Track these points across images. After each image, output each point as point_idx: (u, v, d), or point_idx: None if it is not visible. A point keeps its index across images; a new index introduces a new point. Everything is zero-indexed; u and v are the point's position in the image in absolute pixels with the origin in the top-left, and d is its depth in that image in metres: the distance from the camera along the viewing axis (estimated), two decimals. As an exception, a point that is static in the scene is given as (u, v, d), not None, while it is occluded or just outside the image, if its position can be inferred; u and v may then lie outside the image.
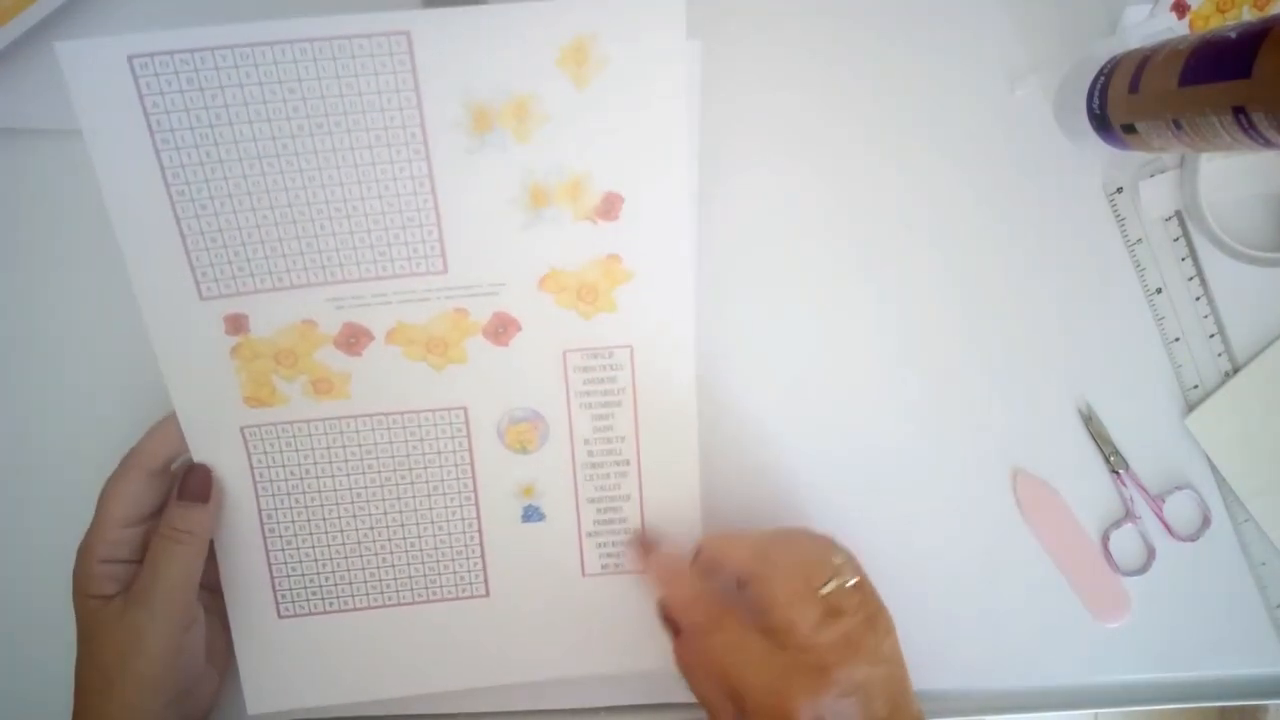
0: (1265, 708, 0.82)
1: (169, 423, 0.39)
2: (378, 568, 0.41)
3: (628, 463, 0.41)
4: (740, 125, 0.43)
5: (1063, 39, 0.43)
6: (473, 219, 0.37)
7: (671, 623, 0.38)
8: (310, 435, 0.40)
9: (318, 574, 0.41)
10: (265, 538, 0.41)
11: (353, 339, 0.38)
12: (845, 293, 0.44)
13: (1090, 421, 0.45)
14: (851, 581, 0.35)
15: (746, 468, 0.44)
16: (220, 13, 0.41)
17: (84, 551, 0.37)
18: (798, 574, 0.34)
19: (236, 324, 0.38)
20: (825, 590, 0.34)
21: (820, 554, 0.35)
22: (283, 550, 0.41)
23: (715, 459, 0.41)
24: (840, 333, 0.44)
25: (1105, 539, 0.45)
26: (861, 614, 0.34)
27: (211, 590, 0.41)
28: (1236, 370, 0.45)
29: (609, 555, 0.42)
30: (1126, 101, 0.38)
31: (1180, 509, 0.45)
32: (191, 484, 0.38)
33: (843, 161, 0.43)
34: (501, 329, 0.39)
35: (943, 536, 0.45)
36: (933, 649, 0.45)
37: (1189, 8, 0.42)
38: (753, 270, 0.44)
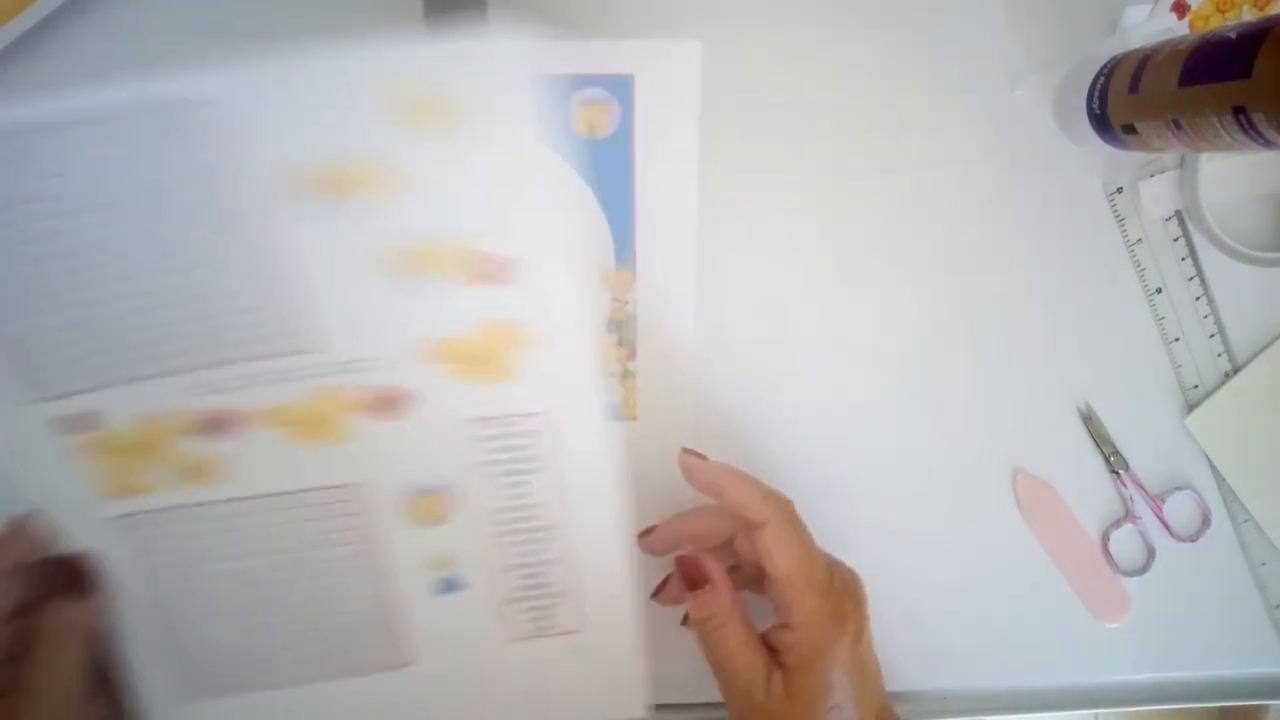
0: (1265, 708, 0.81)
1: (28, 518, 0.36)
2: (286, 646, 0.39)
3: (551, 528, 0.38)
4: (740, 125, 0.43)
5: (1063, 39, 0.43)
6: (336, 291, 0.34)
7: (696, 576, 0.37)
8: (195, 519, 0.36)
9: (229, 654, 0.39)
10: (166, 623, 0.38)
11: (220, 424, 0.36)
12: (844, 293, 0.44)
13: (1090, 421, 0.45)
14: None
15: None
16: (222, 12, 0.41)
17: None
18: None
19: (80, 423, 0.35)
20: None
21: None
22: (188, 634, 0.38)
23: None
24: (840, 333, 0.44)
25: (1105, 539, 0.45)
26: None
27: (105, 667, 0.38)
28: (1236, 370, 0.45)
29: (534, 619, 0.40)
30: (1126, 101, 0.38)
31: (1180, 509, 0.45)
32: (69, 577, 0.35)
33: (842, 161, 0.43)
34: (388, 402, 0.36)
35: (943, 536, 0.45)
36: (933, 649, 0.45)
37: (1189, 8, 0.42)
38: (751, 270, 0.44)
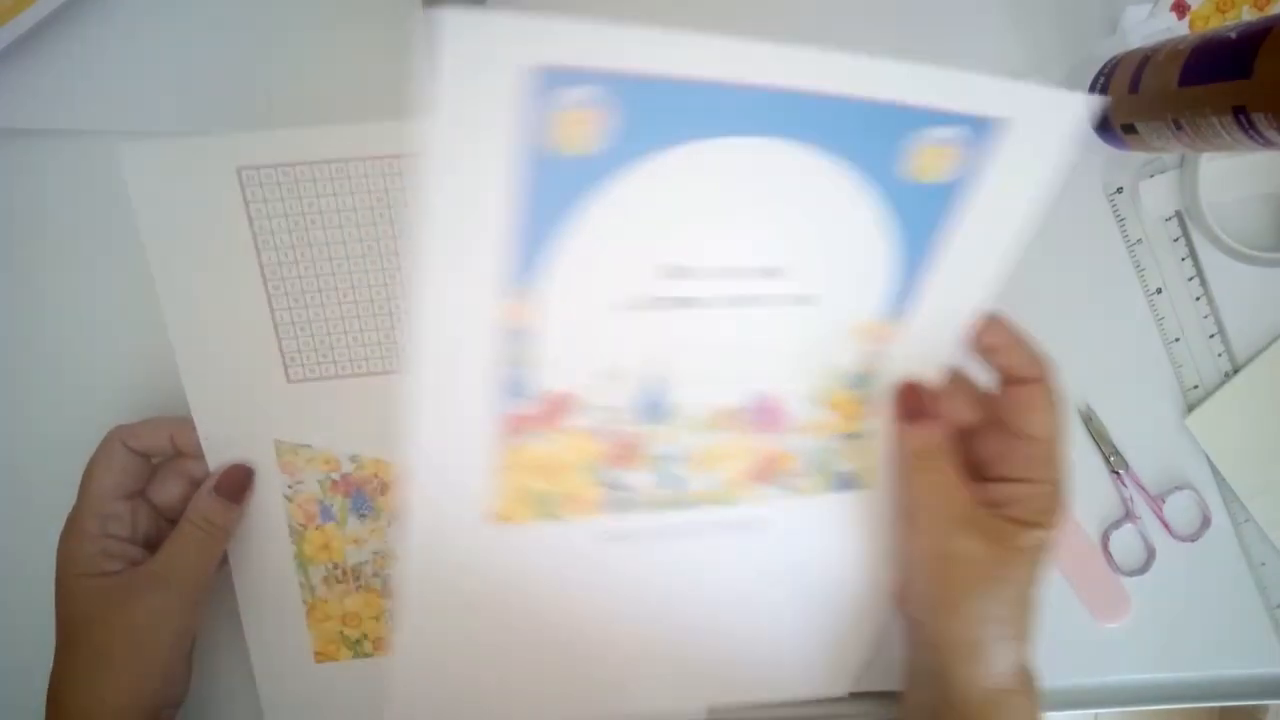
0: (1265, 708, 0.82)
1: (160, 418, 0.39)
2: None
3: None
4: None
5: (1063, 39, 0.43)
6: None
7: (915, 407, 0.35)
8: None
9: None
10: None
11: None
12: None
13: (1090, 421, 0.45)
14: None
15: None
16: (221, 10, 0.41)
17: (75, 529, 0.37)
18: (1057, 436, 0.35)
19: None
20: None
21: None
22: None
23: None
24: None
25: (1105, 539, 0.45)
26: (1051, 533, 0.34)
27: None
28: (1236, 370, 0.45)
29: None
30: (1126, 101, 0.38)
31: (1180, 509, 0.45)
32: (230, 481, 0.38)
33: (843, 161, 0.43)
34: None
35: (943, 536, 0.45)
36: (933, 649, 0.45)
37: (1189, 8, 0.42)
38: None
